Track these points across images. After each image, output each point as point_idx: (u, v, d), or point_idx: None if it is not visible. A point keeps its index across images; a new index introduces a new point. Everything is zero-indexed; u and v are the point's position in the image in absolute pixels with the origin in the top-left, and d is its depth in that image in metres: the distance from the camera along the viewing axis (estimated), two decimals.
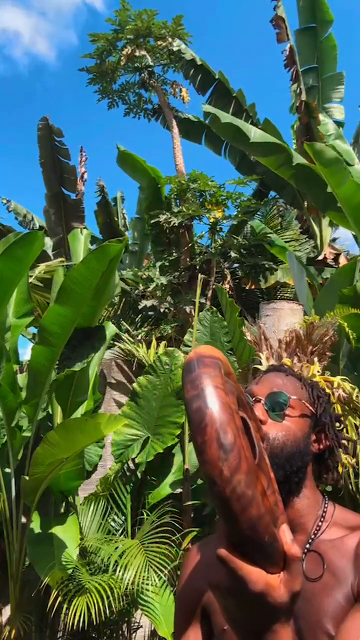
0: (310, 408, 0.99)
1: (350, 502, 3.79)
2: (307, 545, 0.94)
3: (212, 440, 0.54)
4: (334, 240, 8.74)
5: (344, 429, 1.09)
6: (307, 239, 8.27)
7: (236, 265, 7.65)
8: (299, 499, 0.96)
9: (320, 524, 0.95)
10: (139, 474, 4.24)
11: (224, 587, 0.60)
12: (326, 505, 0.98)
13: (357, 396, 2.74)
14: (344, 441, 1.06)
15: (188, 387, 0.58)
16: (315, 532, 0.95)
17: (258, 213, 8.35)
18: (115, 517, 4.06)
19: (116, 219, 10.70)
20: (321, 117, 7.73)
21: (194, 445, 0.56)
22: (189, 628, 1.00)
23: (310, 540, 0.94)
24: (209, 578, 0.79)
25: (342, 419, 1.04)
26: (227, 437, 0.54)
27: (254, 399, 0.97)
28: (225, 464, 0.54)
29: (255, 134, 7.01)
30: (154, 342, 5.29)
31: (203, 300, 6.77)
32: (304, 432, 0.96)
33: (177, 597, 1.07)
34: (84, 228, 7.23)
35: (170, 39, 8.78)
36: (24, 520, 3.78)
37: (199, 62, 8.98)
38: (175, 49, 8.79)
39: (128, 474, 4.30)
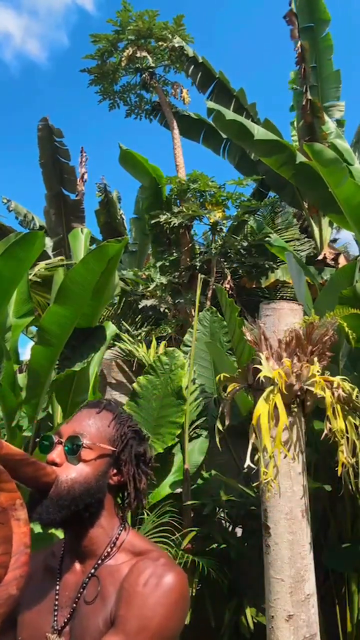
0: (110, 447, 1.07)
1: (350, 501, 3.79)
2: (92, 570, 1.03)
3: None
4: (334, 240, 8.75)
5: (151, 460, 1.17)
6: (306, 238, 8.28)
7: (236, 265, 7.65)
8: (94, 528, 1.06)
9: (109, 549, 1.05)
10: None
11: None
12: (119, 532, 1.07)
13: (357, 396, 2.74)
14: (147, 470, 1.13)
15: None
16: (103, 557, 1.04)
17: (258, 213, 8.35)
18: None
19: (117, 219, 10.71)
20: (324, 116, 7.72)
21: None
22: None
23: (96, 566, 1.04)
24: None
25: (146, 451, 1.13)
26: None
27: (57, 440, 1.05)
28: None
29: (259, 131, 7.01)
30: (154, 342, 5.30)
31: (203, 300, 6.77)
32: (98, 471, 1.05)
33: None
34: (84, 228, 7.23)
35: (170, 37, 8.78)
36: None
37: (200, 60, 8.98)
38: (176, 45, 8.79)
39: None
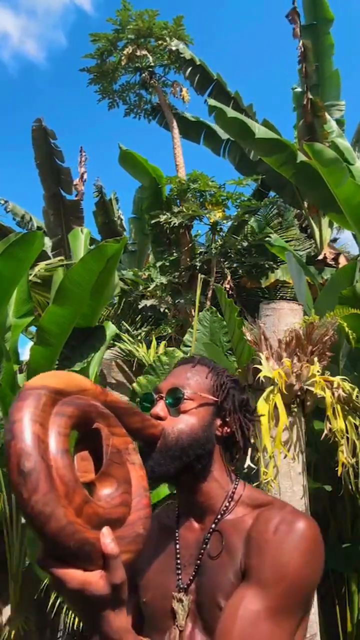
0: (211, 397, 1.04)
1: (350, 501, 3.79)
2: (213, 525, 1.00)
3: (13, 469, 0.64)
4: (334, 240, 8.75)
5: (255, 410, 1.14)
6: (306, 238, 8.27)
7: (236, 265, 7.65)
8: (207, 482, 1.02)
9: (227, 504, 1.01)
10: None
11: (51, 586, 0.73)
12: (235, 486, 1.04)
13: (357, 396, 2.74)
14: (251, 423, 1.10)
15: (5, 421, 0.67)
16: (222, 512, 1.01)
17: (258, 213, 8.35)
18: None
19: (115, 219, 10.71)
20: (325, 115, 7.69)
21: None
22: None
23: (216, 520, 1.00)
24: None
25: (248, 400, 1.10)
26: (25, 464, 0.63)
27: (157, 395, 1.04)
28: (23, 487, 0.63)
29: (260, 130, 7.00)
30: (154, 342, 5.30)
31: (203, 300, 6.77)
32: (203, 421, 1.02)
33: None
34: (84, 228, 7.23)
35: (169, 39, 8.78)
36: (23, 520, 3.78)
37: (197, 62, 8.98)
38: (173, 48, 8.79)
39: None
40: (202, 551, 0.99)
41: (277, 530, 0.91)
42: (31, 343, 3.78)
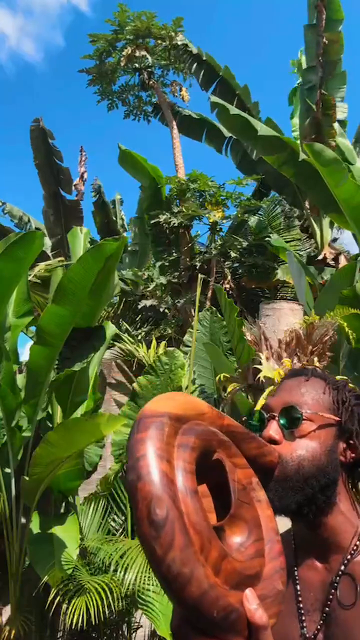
0: (333, 417, 0.90)
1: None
2: (342, 567, 0.86)
3: (143, 518, 0.52)
4: (334, 240, 8.73)
5: None
6: (307, 238, 8.27)
7: (236, 265, 7.65)
8: (332, 515, 0.88)
9: (358, 542, 0.87)
10: None
11: None
12: None
13: None
14: None
15: (127, 456, 0.56)
16: (353, 551, 0.86)
17: (259, 212, 8.35)
18: (115, 517, 4.06)
19: (114, 219, 10.70)
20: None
21: None
22: None
23: (345, 562, 0.86)
24: None
25: None
26: (157, 512, 0.52)
27: (268, 415, 0.90)
28: (156, 542, 0.52)
29: (262, 128, 6.99)
30: (154, 342, 5.29)
31: (203, 300, 6.77)
32: (326, 445, 0.88)
33: None
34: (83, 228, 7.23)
35: (173, 34, 8.78)
36: (23, 520, 3.78)
37: (203, 57, 8.97)
38: (180, 42, 8.78)
39: None
40: (331, 597, 0.86)
41: None
42: (31, 343, 3.78)
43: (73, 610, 3.16)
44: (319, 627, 0.85)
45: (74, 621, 3.10)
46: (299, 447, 0.87)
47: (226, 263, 7.60)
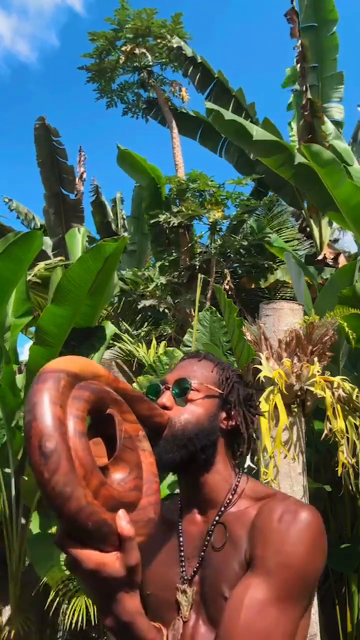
0: (217, 389, 1.06)
1: (350, 502, 3.79)
2: (216, 518, 1.01)
3: (35, 449, 0.64)
4: (335, 240, 8.73)
5: (259, 404, 1.19)
6: (306, 238, 8.27)
7: (236, 265, 7.65)
8: (211, 475, 1.04)
9: (230, 497, 1.02)
10: None
11: (66, 566, 0.71)
12: (238, 479, 1.06)
13: (357, 396, 2.74)
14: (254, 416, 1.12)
15: (25, 402, 0.67)
16: (226, 505, 1.02)
17: (257, 212, 8.35)
18: None
19: (114, 218, 10.70)
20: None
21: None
22: None
23: (219, 513, 1.01)
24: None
25: (252, 394, 1.12)
26: (47, 445, 0.64)
27: (163, 386, 1.06)
28: (45, 467, 0.64)
29: (258, 132, 6.99)
30: (153, 342, 5.29)
31: (203, 300, 6.77)
32: (209, 413, 1.04)
33: None
34: (81, 227, 7.22)
35: (169, 36, 8.77)
36: (23, 520, 3.78)
37: (198, 60, 8.97)
38: (175, 45, 8.77)
39: None
40: (206, 543, 1.00)
41: (281, 519, 0.92)
42: (30, 343, 3.78)
43: (73, 610, 3.16)
44: (195, 569, 0.99)
45: (74, 621, 3.10)
46: (186, 411, 1.02)
47: (225, 263, 7.60)
